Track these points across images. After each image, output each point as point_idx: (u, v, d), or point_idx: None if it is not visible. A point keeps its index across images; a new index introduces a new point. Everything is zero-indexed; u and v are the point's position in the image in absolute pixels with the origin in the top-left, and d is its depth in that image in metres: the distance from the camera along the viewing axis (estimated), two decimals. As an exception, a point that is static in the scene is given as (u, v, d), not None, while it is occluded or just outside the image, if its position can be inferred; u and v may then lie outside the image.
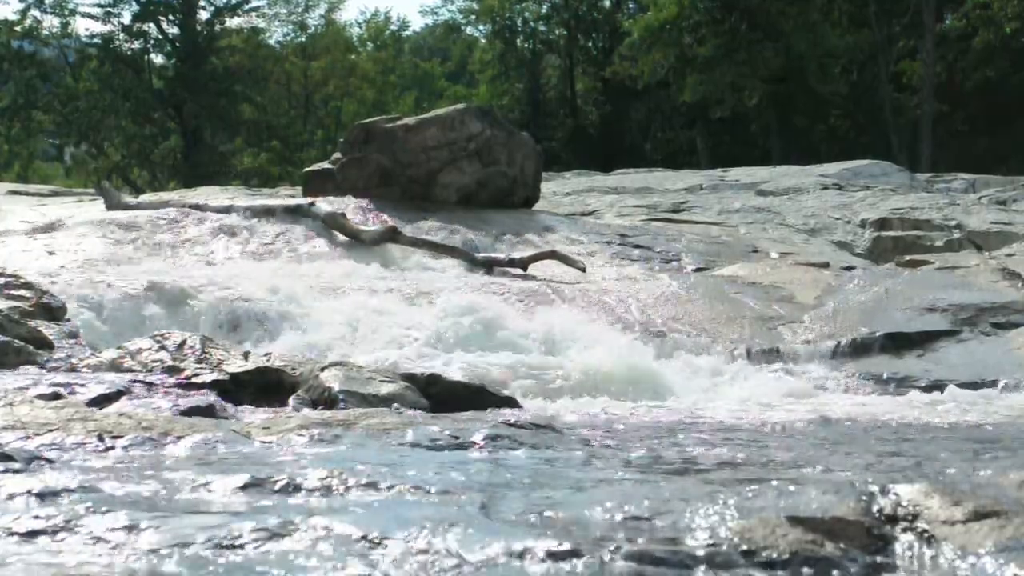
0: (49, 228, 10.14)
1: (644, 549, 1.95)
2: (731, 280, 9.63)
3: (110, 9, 38.56)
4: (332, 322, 7.50)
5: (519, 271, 9.55)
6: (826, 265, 10.51)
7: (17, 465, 2.87)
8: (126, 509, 2.27)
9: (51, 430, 3.29)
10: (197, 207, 10.78)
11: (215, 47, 39.64)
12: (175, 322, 7.07)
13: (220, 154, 39.99)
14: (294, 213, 10.54)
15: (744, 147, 33.89)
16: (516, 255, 9.87)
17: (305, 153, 39.40)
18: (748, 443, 3.86)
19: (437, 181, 11.84)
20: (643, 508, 2.22)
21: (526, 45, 41.95)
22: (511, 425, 3.78)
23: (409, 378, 4.88)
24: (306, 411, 4.29)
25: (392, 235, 10.01)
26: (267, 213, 10.54)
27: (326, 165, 12.59)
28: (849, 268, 10.46)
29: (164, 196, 12.57)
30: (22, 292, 6.34)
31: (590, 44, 41.30)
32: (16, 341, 5.18)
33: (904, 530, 2.10)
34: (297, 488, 2.56)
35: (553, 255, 9.84)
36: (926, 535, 2.07)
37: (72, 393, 4.12)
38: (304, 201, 11.05)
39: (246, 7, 40.59)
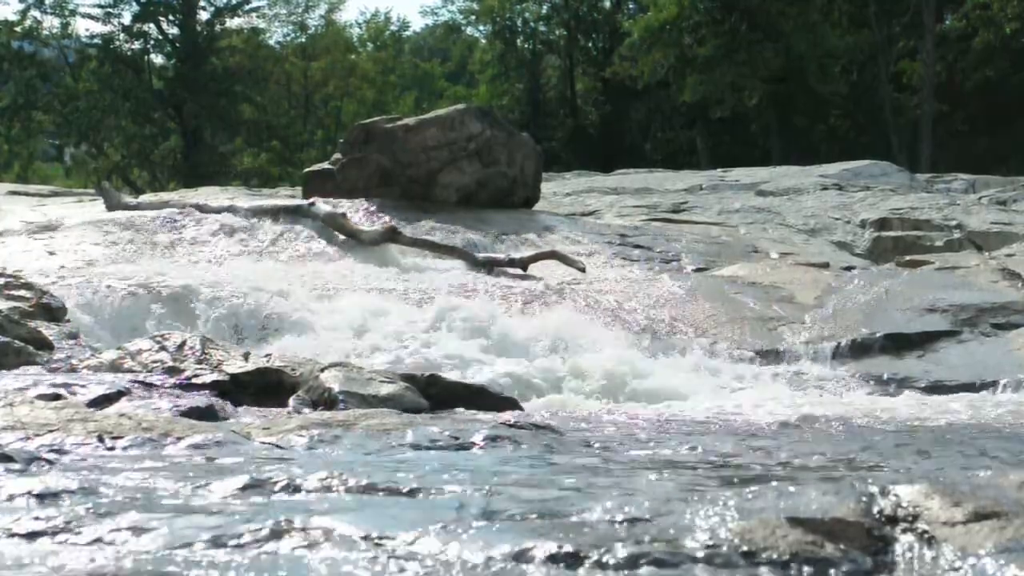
0: (49, 228, 10.14)
1: (644, 550, 1.95)
2: (731, 280, 9.63)
3: (110, 9, 38.59)
4: (332, 322, 7.50)
5: (519, 271, 9.55)
6: (826, 265, 10.51)
7: (17, 466, 2.87)
8: (126, 510, 2.27)
9: (51, 431, 3.29)
10: (197, 207, 10.78)
11: (215, 47, 39.64)
12: (175, 323, 7.07)
13: (220, 154, 39.98)
14: (294, 213, 10.54)
15: (744, 147, 33.88)
16: (516, 255, 9.87)
17: (305, 153, 39.40)
18: (748, 443, 3.86)
19: (437, 181, 11.84)
20: (643, 509, 2.22)
21: (526, 45, 41.95)
22: (511, 426, 3.78)
23: (409, 378, 4.89)
24: (306, 412, 4.30)
25: (392, 235, 10.01)
26: (267, 213, 10.54)
27: (326, 165, 12.59)
28: (849, 268, 10.46)
29: (164, 196, 12.57)
30: (22, 292, 6.34)
31: (590, 44, 41.29)
32: (16, 342, 5.18)
33: (904, 531, 2.10)
34: (297, 489, 2.56)
35: (553, 255, 9.84)
36: (926, 536, 2.07)
37: (72, 394, 4.12)
38: (304, 201, 11.05)
39: (246, 7, 40.62)
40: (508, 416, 4.26)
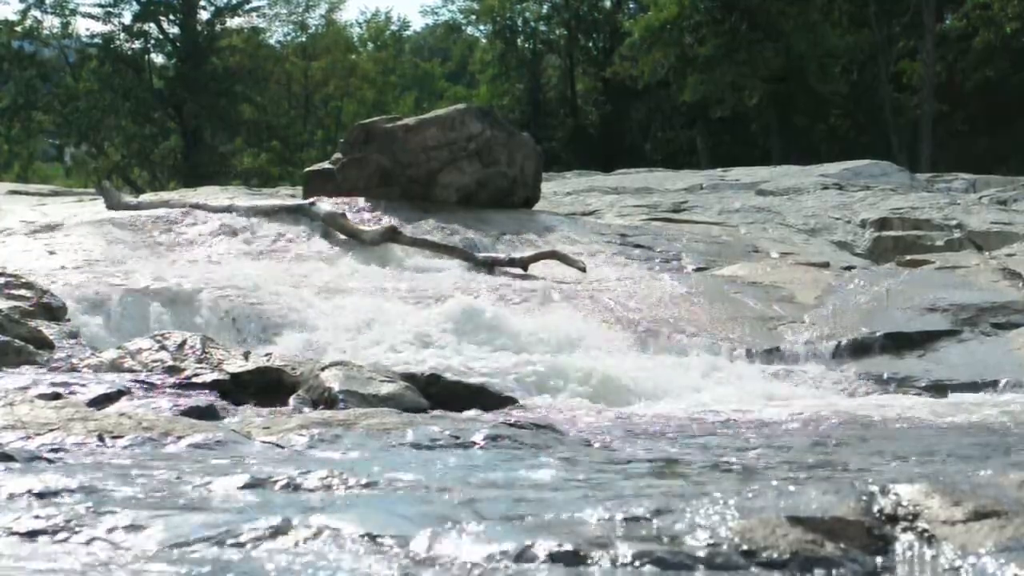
0: (49, 228, 10.13)
1: (644, 549, 1.95)
2: (731, 280, 9.62)
3: (110, 9, 38.55)
4: (332, 322, 7.50)
5: (519, 271, 9.55)
6: (826, 265, 10.51)
7: (18, 465, 2.87)
8: (126, 509, 2.27)
9: (51, 430, 3.29)
10: (197, 207, 10.78)
11: (215, 47, 39.62)
12: (175, 322, 7.07)
13: (220, 154, 39.97)
14: (294, 213, 10.54)
15: (744, 147, 33.87)
16: (516, 255, 9.87)
17: (305, 153, 39.38)
18: (748, 443, 3.86)
19: (437, 181, 11.84)
20: (643, 508, 2.22)
21: (526, 45, 41.93)
22: (511, 425, 3.78)
23: (409, 378, 4.89)
24: (306, 411, 4.30)
25: (392, 235, 10.01)
26: (267, 213, 10.54)
27: (326, 165, 12.58)
28: (849, 268, 10.45)
29: (164, 196, 12.55)
30: (22, 292, 6.34)
31: (590, 44, 41.28)
32: (16, 341, 5.18)
33: (904, 530, 2.10)
34: (297, 487, 2.56)
35: (553, 255, 9.84)
36: (926, 535, 2.07)
37: (72, 393, 4.12)
38: (304, 201, 11.05)
39: (246, 7, 40.59)
40: (508, 416, 4.26)
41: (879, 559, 1.99)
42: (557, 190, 15.37)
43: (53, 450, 3.11)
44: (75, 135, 38.70)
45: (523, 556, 1.95)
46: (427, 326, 7.48)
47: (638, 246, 10.85)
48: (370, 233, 10.07)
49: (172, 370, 4.79)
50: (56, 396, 4.04)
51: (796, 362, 7.54)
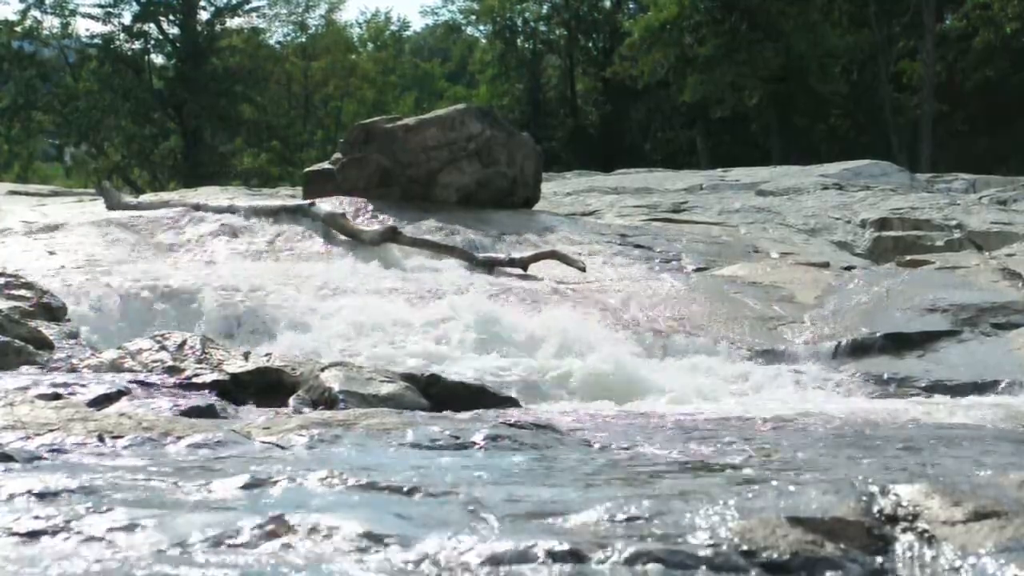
0: (49, 228, 10.13)
1: (644, 549, 1.95)
2: (731, 280, 9.63)
3: (110, 9, 38.57)
4: (332, 322, 7.50)
5: (519, 271, 9.55)
6: (826, 265, 10.51)
7: (17, 465, 2.87)
8: (126, 509, 2.27)
9: (51, 430, 3.29)
10: (197, 207, 10.78)
11: (215, 47, 39.63)
12: (175, 322, 7.07)
13: (220, 154, 39.97)
14: (294, 213, 10.54)
15: (744, 147, 33.88)
16: (516, 255, 9.87)
17: (305, 153, 39.39)
18: (748, 443, 3.86)
19: (437, 181, 11.84)
20: (643, 508, 2.22)
21: (526, 45, 41.94)
22: (511, 425, 3.78)
23: (409, 378, 4.89)
24: (306, 411, 4.30)
25: (392, 235, 10.01)
26: (267, 213, 10.54)
27: (326, 165, 12.58)
28: (849, 268, 10.46)
29: (164, 196, 12.56)
30: (22, 292, 6.34)
31: (590, 44, 41.29)
32: (16, 341, 5.18)
33: (904, 530, 2.10)
34: (297, 488, 2.56)
35: (553, 255, 9.84)
36: (926, 535, 2.07)
37: (72, 393, 4.12)
38: (304, 201, 11.05)
39: (246, 7, 40.61)
40: (509, 416, 4.26)
41: (879, 559, 1.99)
42: (557, 190, 15.38)
43: (53, 450, 3.11)
44: (75, 135, 38.71)
45: (523, 556, 1.95)
46: (427, 326, 7.48)
47: (638, 246, 10.85)
48: (370, 233, 10.07)
49: (172, 370, 4.79)
50: (56, 396, 4.04)
51: (796, 362, 7.54)
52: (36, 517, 2.22)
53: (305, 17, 44.41)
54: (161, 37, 39.67)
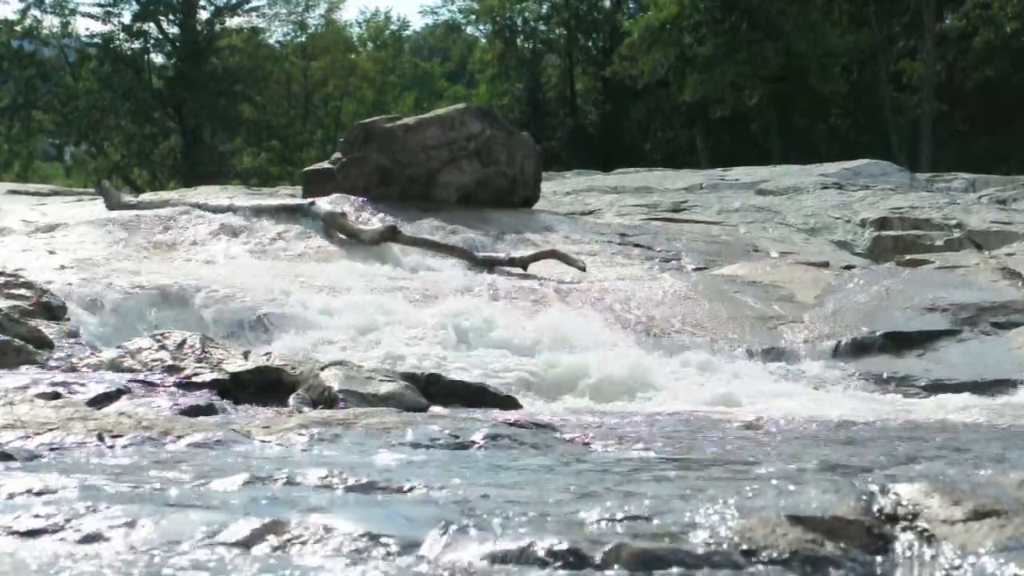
0: (49, 228, 10.13)
1: (644, 548, 1.95)
2: (731, 279, 9.62)
3: (110, 9, 38.56)
4: (332, 321, 7.50)
5: (519, 270, 9.55)
6: (826, 264, 10.51)
7: (17, 464, 2.87)
8: (125, 507, 2.27)
9: (51, 429, 3.29)
10: (197, 207, 10.78)
11: (215, 47, 39.63)
12: (175, 321, 7.07)
13: (220, 154, 39.96)
14: (294, 213, 10.54)
15: (744, 146, 33.88)
16: (516, 254, 9.87)
17: (305, 153, 39.37)
18: (748, 442, 3.86)
19: (437, 181, 11.84)
20: (643, 507, 2.22)
21: (526, 45, 41.92)
22: (511, 425, 3.78)
23: (409, 378, 4.89)
24: (306, 410, 4.30)
25: (392, 234, 10.00)
26: (267, 213, 10.54)
27: (326, 165, 12.58)
28: (849, 267, 10.45)
29: (164, 195, 12.56)
30: (22, 291, 6.34)
31: (590, 44, 41.27)
32: (16, 340, 5.18)
33: (904, 529, 2.10)
34: (297, 487, 2.56)
35: (553, 254, 9.84)
36: (926, 534, 2.07)
37: (72, 392, 4.12)
38: (304, 200, 11.04)
39: (246, 7, 40.59)
40: (508, 415, 4.26)
41: (879, 558, 1.99)
42: (557, 189, 15.38)
43: (53, 449, 3.11)
44: (75, 134, 38.72)
45: (523, 555, 1.95)
46: (427, 325, 7.48)
47: (638, 245, 10.85)
48: (370, 232, 10.07)
49: (172, 369, 4.79)
50: (56, 395, 4.04)
51: (796, 361, 7.54)
52: (36, 516, 2.22)
53: (305, 17, 44.43)
54: (161, 36, 39.67)
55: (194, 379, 4.62)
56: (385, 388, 4.57)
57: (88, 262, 8.69)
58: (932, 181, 16.97)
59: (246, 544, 2.06)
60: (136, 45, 39.46)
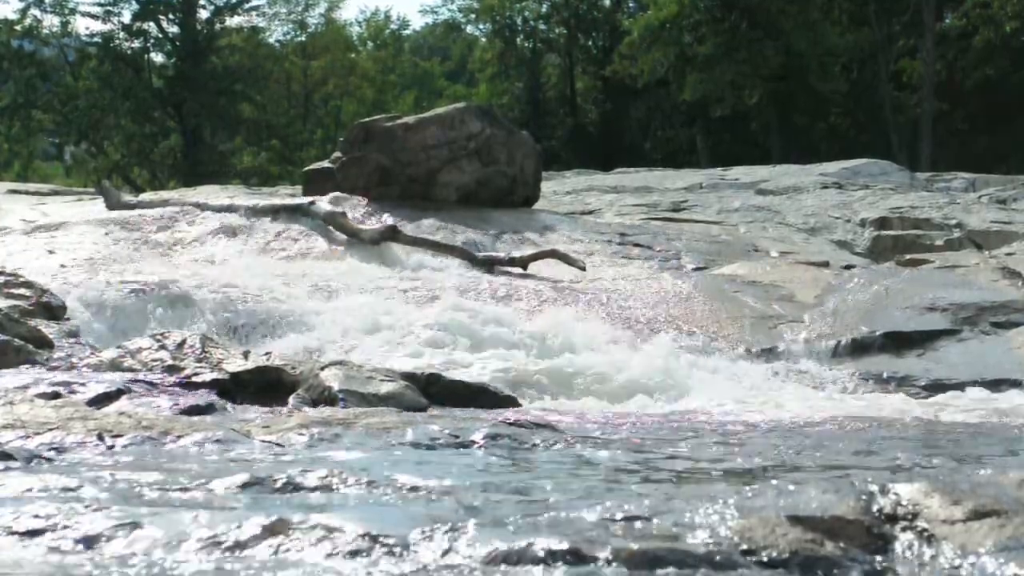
0: (49, 227, 10.13)
1: (644, 548, 1.95)
2: (731, 279, 9.62)
3: (110, 8, 38.57)
4: (332, 321, 7.50)
5: (519, 270, 9.55)
6: (826, 264, 10.50)
7: (17, 464, 2.88)
8: (125, 507, 2.27)
9: (51, 429, 3.29)
10: (197, 206, 10.78)
11: (215, 46, 39.63)
12: (175, 321, 7.07)
13: (220, 153, 39.97)
14: (294, 212, 10.54)
15: (744, 146, 33.88)
16: (516, 254, 9.87)
17: (305, 152, 39.38)
18: (748, 442, 3.86)
19: (437, 180, 11.84)
20: (643, 507, 2.22)
21: (526, 44, 41.93)
22: (511, 424, 3.78)
23: (409, 377, 4.88)
24: (306, 410, 4.29)
25: (392, 234, 10.00)
26: (267, 212, 10.54)
27: (326, 164, 12.58)
28: (849, 267, 10.45)
29: (164, 195, 12.56)
30: (22, 291, 6.34)
31: (590, 43, 41.27)
32: (16, 340, 5.18)
33: (904, 529, 2.10)
34: (297, 487, 2.56)
35: (553, 254, 9.84)
36: (926, 534, 2.07)
37: (72, 392, 4.12)
38: (304, 200, 11.04)
39: (246, 6, 40.60)
40: (508, 415, 4.26)
41: (879, 558, 1.99)
42: (557, 189, 15.37)
43: (53, 449, 3.11)
44: (75, 134, 38.72)
45: (523, 555, 1.95)
46: (427, 325, 7.47)
47: (638, 245, 10.85)
48: (370, 232, 10.07)
49: (172, 369, 4.79)
50: (56, 395, 4.04)
51: (795, 361, 7.54)
52: (36, 516, 2.22)
53: (305, 16, 44.44)
54: (161, 36, 39.68)
55: (194, 379, 4.62)
56: (385, 388, 4.57)
57: (88, 262, 8.70)
58: (932, 181, 16.97)
59: (246, 544, 2.06)
60: (136, 44, 39.50)
